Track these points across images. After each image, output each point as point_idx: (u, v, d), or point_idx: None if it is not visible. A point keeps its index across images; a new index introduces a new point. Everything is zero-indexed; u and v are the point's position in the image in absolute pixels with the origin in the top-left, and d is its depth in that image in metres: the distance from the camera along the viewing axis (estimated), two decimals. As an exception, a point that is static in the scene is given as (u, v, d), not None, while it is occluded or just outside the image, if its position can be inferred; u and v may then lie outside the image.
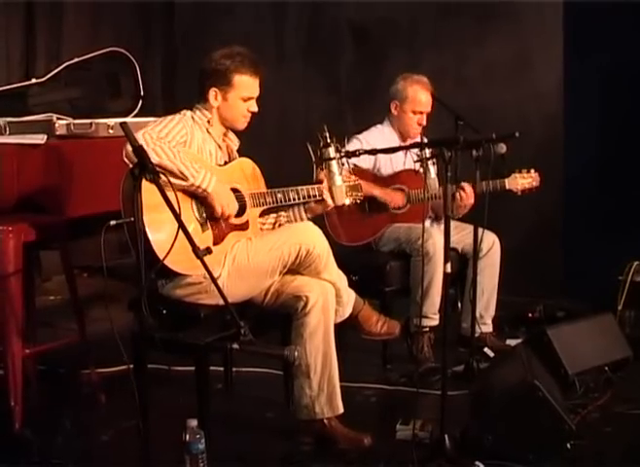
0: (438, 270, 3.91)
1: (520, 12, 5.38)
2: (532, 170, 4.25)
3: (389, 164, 4.26)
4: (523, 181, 4.23)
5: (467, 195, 4.01)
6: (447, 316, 3.14)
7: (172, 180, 2.89)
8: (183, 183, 2.99)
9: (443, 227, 3.07)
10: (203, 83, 3.21)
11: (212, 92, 3.20)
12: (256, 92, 3.25)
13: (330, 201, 3.31)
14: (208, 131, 3.23)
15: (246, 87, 3.21)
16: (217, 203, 3.09)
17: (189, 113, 3.22)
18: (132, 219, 2.52)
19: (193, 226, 3.05)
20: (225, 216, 3.12)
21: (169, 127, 3.09)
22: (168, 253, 2.57)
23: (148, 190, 2.54)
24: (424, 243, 3.89)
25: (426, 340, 4.09)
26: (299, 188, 3.30)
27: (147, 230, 2.85)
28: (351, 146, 4.10)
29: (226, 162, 3.30)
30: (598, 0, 4.80)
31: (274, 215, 3.43)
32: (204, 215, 3.12)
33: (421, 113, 4.21)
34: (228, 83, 3.19)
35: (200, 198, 3.10)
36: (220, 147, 3.29)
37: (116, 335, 2.54)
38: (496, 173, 3.91)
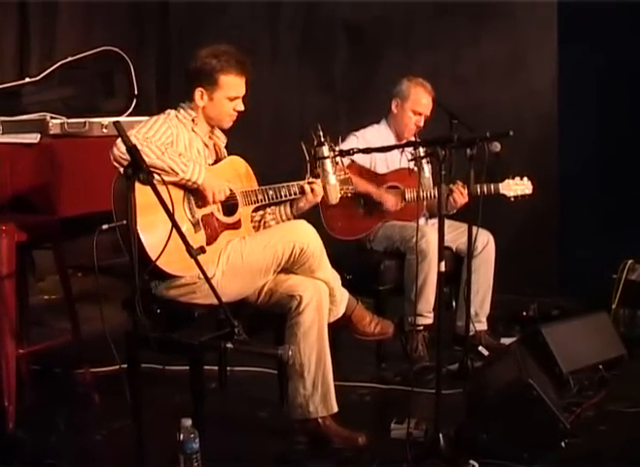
0: (432, 269, 3.91)
1: (515, 11, 5.39)
2: (525, 178, 4.27)
3: (385, 163, 4.28)
4: (516, 187, 4.24)
5: (461, 195, 4.04)
6: (442, 315, 3.13)
7: (162, 177, 2.88)
8: (173, 178, 2.99)
9: (437, 225, 3.08)
10: (189, 82, 3.20)
11: (198, 92, 3.19)
12: (242, 92, 3.23)
13: (313, 197, 3.30)
14: (194, 130, 3.22)
15: (232, 86, 3.19)
16: (209, 192, 3.08)
17: (173, 112, 3.21)
18: (124, 222, 2.51)
19: (185, 227, 3.04)
20: (217, 200, 3.12)
21: (154, 129, 3.08)
22: (161, 254, 2.57)
23: (138, 191, 2.53)
24: (419, 241, 3.89)
25: (420, 338, 4.09)
26: (290, 184, 3.29)
27: (139, 232, 2.83)
28: (348, 142, 4.15)
29: (216, 161, 3.30)
30: (592, 0, 4.81)
31: (260, 213, 3.42)
32: (196, 216, 3.12)
33: (420, 114, 4.25)
34: (214, 83, 3.17)
35: (192, 194, 3.10)
36: (207, 145, 3.28)
37: (107, 335, 2.55)
38: (491, 172, 3.91)
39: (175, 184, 3.02)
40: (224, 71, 3.16)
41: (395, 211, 4.20)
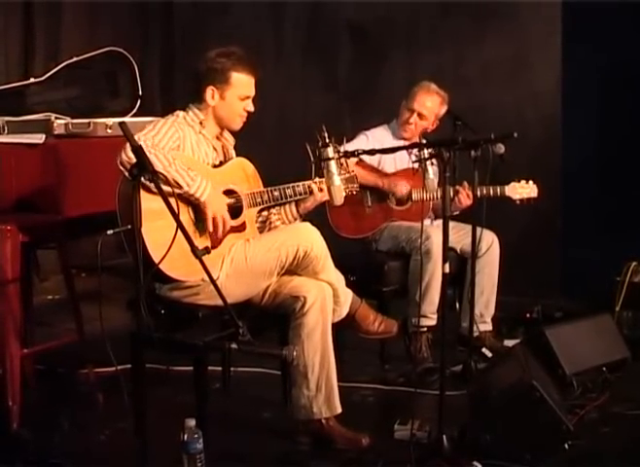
0: (437, 270, 3.91)
1: (519, 12, 5.39)
2: (531, 182, 4.27)
3: (393, 163, 4.30)
4: (522, 190, 4.25)
5: (465, 197, 4.05)
6: (446, 316, 3.14)
7: (166, 188, 2.87)
8: (177, 190, 2.97)
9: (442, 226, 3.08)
10: (199, 82, 3.19)
11: (209, 91, 3.18)
12: (252, 92, 3.24)
13: (321, 197, 3.30)
14: (201, 133, 3.22)
15: (244, 85, 3.20)
16: (209, 211, 3.06)
17: (181, 114, 3.21)
18: (129, 227, 2.51)
19: (190, 231, 3.01)
20: (216, 225, 3.09)
21: (162, 133, 3.07)
22: (165, 255, 2.56)
23: (145, 197, 2.53)
24: (425, 242, 3.90)
25: (424, 340, 4.09)
26: (295, 185, 3.29)
27: (144, 237, 2.83)
28: (358, 141, 4.18)
29: (221, 163, 3.29)
30: (596, 0, 4.80)
31: (265, 213, 3.41)
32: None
33: (413, 111, 4.23)
34: (225, 81, 3.17)
35: (194, 204, 3.10)
36: (215, 148, 3.28)
37: (105, 337, 2.56)
38: (494, 174, 3.92)
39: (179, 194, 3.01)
40: (236, 69, 3.17)
41: (402, 211, 4.21)
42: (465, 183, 4.05)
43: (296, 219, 3.39)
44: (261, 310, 3.24)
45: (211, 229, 3.09)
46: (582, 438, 3.10)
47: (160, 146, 3.01)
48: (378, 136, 4.26)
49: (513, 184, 4.23)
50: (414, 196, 4.18)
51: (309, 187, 3.29)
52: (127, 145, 2.83)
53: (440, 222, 4.24)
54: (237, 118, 3.25)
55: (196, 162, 3.15)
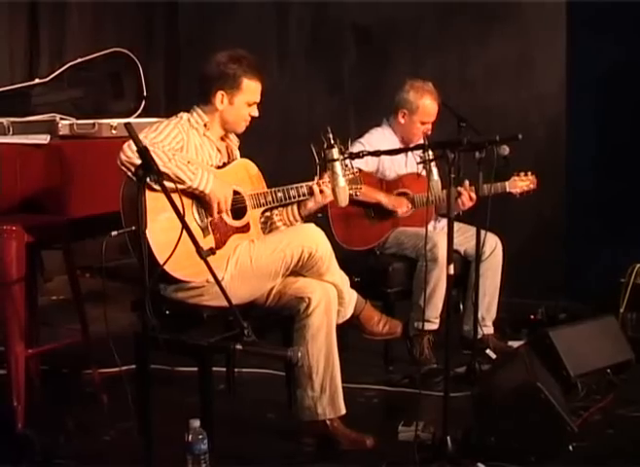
0: (442, 276, 3.88)
1: (523, 13, 5.38)
2: (529, 173, 4.27)
3: (392, 169, 4.27)
4: (522, 183, 4.26)
5: (467, 199, 4.03)
6: (450, 318, 3.14)
7: (168, 184, 2.88)
8: (180, 186, 2.98)
9: (446, 228, 3.08)
10: (209, 85, 3.20)
11: (219, 95, 3.19)
12: (259, 98, 3.25)
13: (322, 198, 3.30)
14: (205, 135, 3.22)
15: (253, 91, 3.21)
16: (214, 202, 3.08)
17: (185, 116, 3.21)
18: (133, 228, 2.51)
19: (194, 231, 3.01)
20: (221, 212, 3.12)
21: (165, 133, 3.08)
22: (170, 256, 2.57)
23: (148, 196, 2.54)
24: (433, 249, 3.89)
25: (425, 342, 4.09)
26: (298, 185, 3.29)
27: (149, 239, 2.83)
28: (354, 149, 4.11)
29: (225, 163, 3.29)
30: (601, 0, 4.80)
31: (267, 214, 3.41)
32: (205, 220, 3.12)
33: (428, 122, 4.21)
34: (237, 87, 3.18)
35: (200, 199, 3.10)
36: (219, 149, 3.28)
37: (109, 339, 2.57)
38: (499, 175, 3.91)
39: (183, 190, 3.01)
40: (247, 76, 3.18)
41: (405, 218, 4.20)
42: (466, 182, 4.03)
43: (297, 221, 3.39)
44: (265, 311, 3.24)
45: (215, 214, 3.10)
46: (586, 440, 3.10)
47: (159, 145, 3.01)
48: (374, 143, 4.14)
49: (513, 178, 4.24)
50: (417, 201, 4.16)
51: (311, 188, 3.30)
52: (126, 145, 2.85)
53: (444, 222, 4.27)
54: (242, 122, 3.26)
55: (200, 163, 3.15)
